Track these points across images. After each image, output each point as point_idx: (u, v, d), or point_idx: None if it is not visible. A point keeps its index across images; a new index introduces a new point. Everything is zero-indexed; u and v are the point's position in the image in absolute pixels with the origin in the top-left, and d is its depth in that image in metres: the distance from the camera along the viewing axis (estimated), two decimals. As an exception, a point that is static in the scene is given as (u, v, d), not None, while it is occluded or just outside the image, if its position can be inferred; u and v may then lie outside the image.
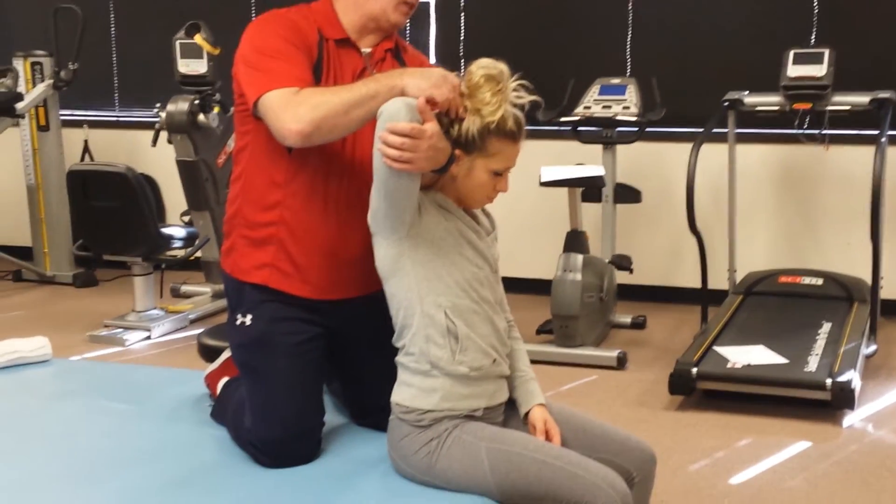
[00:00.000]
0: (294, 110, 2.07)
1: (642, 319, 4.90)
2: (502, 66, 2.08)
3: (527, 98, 2.10)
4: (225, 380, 2.55)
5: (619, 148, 4.92)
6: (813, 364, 3.84)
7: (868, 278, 4.45)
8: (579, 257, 4.46)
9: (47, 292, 5.90)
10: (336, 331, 2.34)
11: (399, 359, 2.13)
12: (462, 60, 5.71)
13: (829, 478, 3.20)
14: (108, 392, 2.76)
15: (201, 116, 5.04)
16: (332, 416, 2.42)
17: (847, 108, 4.53)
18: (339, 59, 2.29)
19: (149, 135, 5.22)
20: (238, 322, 2.33)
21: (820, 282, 4.76)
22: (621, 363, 4.36)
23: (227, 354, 2.58)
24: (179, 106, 5.02)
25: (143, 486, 2.14)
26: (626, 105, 4.74)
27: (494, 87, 2.06)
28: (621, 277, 4.95)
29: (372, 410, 2.34)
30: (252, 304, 2.31)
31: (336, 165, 2.25)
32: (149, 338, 4.88)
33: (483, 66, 2.08)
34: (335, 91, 2.12)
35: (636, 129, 4.78)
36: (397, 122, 1.95)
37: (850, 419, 3.68)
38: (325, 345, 2.34)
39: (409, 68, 2.18)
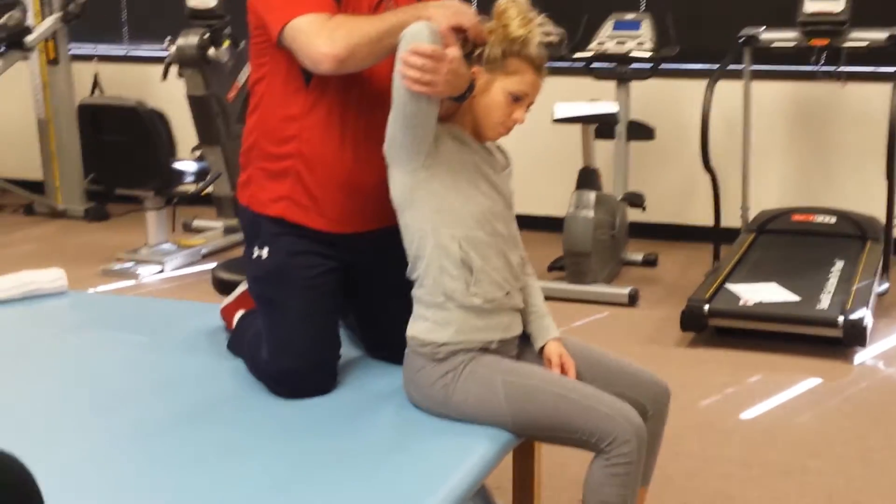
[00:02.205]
0: (329, 34, 2.06)
1: (654, 257, 4.90)
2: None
3: (553, 33, 2.09)
4: (241, 312, 2.56)
5: (633, 84, 4.88)
6: (825, 302, 3.85)
7: (882, 216, 4.43)
8: (592, 194, 4.45)
9: (59, 226, 5.92)
10: (353, 265, 2.34)
11: (414, 292, 2.14)
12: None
13: (839, 414, 3.22)
14: (123, 324, 2.78)
15: (212, 50, 5.00)
16: (348, 350, 2.42)
17: (864, 44, 4.47)
18: None
19: (159, 69, 5.19)
20: (255, 255, 2.32)
21: (833, 220, 4.75)
22: (633, 300, 4.37)
23: (242, 287, 2.59)
24: (190, 40, 4.99)
25: (160, 416, 2.16)
26: (641, 41, 4.69)
27: (522, 12, 2.07)
28: (633, 215, 4.94)
29: (387, 344, 2.35)
30: (268, 237, 2.31)
31: (353, 97, 2.23)
32: (161, 272, 4.90)
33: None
34: (368, 19, 2.10)
35: (650, 65, 4.73)
36: (420, 44, 1.94)
37: (862, 356, 3.70)
38: (342, 278, 2.33)
39: (432, 1, 2.16)
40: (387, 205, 2.14)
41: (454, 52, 1.97)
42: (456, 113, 2.10)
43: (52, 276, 2.93)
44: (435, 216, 2.06)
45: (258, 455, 1.97)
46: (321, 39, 2.06)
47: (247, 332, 2.44)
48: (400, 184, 2.09)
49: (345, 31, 2.07)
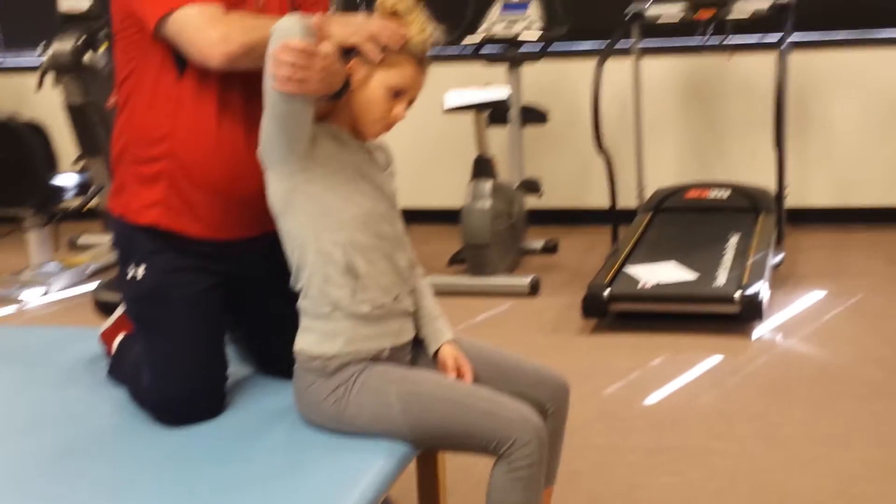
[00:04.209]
0: (224, 29, 1.98)
1: (554, 243, 4.88)
2: None
3: (435, 30, 2.03)
4: (121, 336, 2.44)
5: (524, 68, 4.83)
6: (722, 278, 3.87)
7: (773, 188, 4.48)
8: (488, 184, 4.41)
9: (-65, 250, 5.65)
10: (235, 277, 2.24)
11: (299, 303, 2.05)
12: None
13: (741, 391, 3.24)
14: (-3, 357, 2.63)
15: (88, 55, 4.80)
16: (236, 367, 2.33)
17: (749, 13, 4.50)
18: None
19: (34, 79, 4.96)
20: (130, 275, 2.21)
21: (726, 194, 4.79)
22: (534, 289, 4.34)
23: (121, 310, 2.47)
24: (64, 45, 4.77)
25: (36, 455, 2.03)
26: (529, 22, 4.64)
27: (411, 12, 2.01)
28: (531, 202, 4.91)
29: (277, 358, 2.25)
30: (144, 254, 2.19)
31: (231, 94, 2.12)
32: (47, 293, 4.70)
33: None
34: (264, 20, 2.00)
35: (540, 46, 4.69)
36: (291, 40, 1.84)
37: (760, 330, 3.73)
38: (225, 294, 2.24)
39: (333, 16, 2.06)
40: (268, 210, 2.05)
41: (328, 47, 1.88)
42: (333, 111, 2.02)
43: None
44: (315, 221, 1.98)
45: (142, 490, 1.88)
46: (215, 33, 1.98)
47: (127, 358, 2.33)
48: (277, 188, 2.00)
49: (242, 28, 1.99)
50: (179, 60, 2.09)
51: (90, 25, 4.85)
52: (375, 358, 2.03)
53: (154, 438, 2.09)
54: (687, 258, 4.09)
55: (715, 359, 3.50)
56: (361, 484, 1.85)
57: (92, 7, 4.86)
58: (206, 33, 1.99)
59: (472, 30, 4.71)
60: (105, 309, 2.71)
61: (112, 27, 2.19)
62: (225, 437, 2.07)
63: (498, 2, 4.76)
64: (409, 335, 2.11)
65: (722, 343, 3.64)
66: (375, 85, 2.00)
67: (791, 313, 3.91)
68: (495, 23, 4.69)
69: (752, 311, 3.67)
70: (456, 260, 4.63)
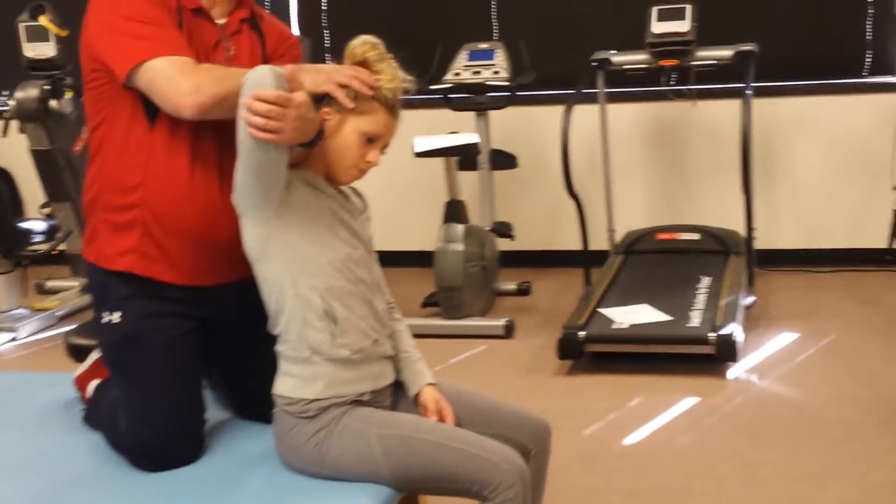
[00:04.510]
0: (195, 80, 1.99)
1: (527, 286, 4.88)
2: (379, 41, 2.04)
3: (408, 80, 2.05)
4: (96, 382, 2.40)
5: (492, 114, 4.87)
6: (696, 319, 3.88)
7: (742, 230, 4.52)
8: (459, 227, 4.41)
9: None
10: (211, 321, 2.22)
11: (278, 347, 2.03)
12: (326, 31, 5.57)
13: (718, 432, 3.24)
14: (-34, 403, 2.57)
15: (53, 102, 4.78)
16: (214, 412, 2.30)
17: (712, 62, 4.57)
18: (195, 29, 2.16)
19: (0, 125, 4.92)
20: (105, 320, 2.18)
21: (697, 236, 4.83)
22: (509, 331, 4.33)
23: (96, 354, 2.43)
24: (29, 92, 4.75)
25: (13, 501, 1.98)
26: (496, 70, 4.69)
27: (388, 66, 2.02)
28: (503, 244, 4.91)
29: (256, 402, 2.22)
30: (119, 300, 2.17)
31: (203, 143, 2.12)
32: (14, 339, 4.62)
33: (364, 42, 2.03)
34: (235, 71, 2.00)
35: (507, 93, 4.73)
36: (263, 89, 1.84)
37: (735, 371, 3.74)
38: (201, 338, 2.21)
39: (304, 65, 2.07)
40: (243, 255, 2.03)
41: (301, 96, 1.88)
42: (307, 158, 2.02)
43: None
44: (292, 267, 1.96)
45: (120, 539, 1.83)
46: (187, 84, 1.99)
47: (103, 403, 2.29)
48: (252, 235, 1.98)
49: (212, 79, 2.00)
50: (150, 109, 2.09)
51: (55, 73, 4.83)
52: (356, 402, 2.01)
53: (132, 484, 2.05)
54: (660, 299, 4.10)
55: (691, 400, 3.50)
56: (344, 528, 1.83)
57: (57, 55, 4.84)
58: (178, 84, 2.00)
59: (440, 77, 4.74)
60: (78, 353, 2.65)
61: (82, 76, 2.18)
62: (204, 482, 2.04)
63: (464, 49, 4.80)
64: (389, 378, 2.09)
65: (698, 384, 3.64)
66: (348, 131, 2.00)
67: (765, 354, 3.93)
68: (462, 69, 4.72)
69: (726, 351, 3.68)
70: (429, 303, 4.62)
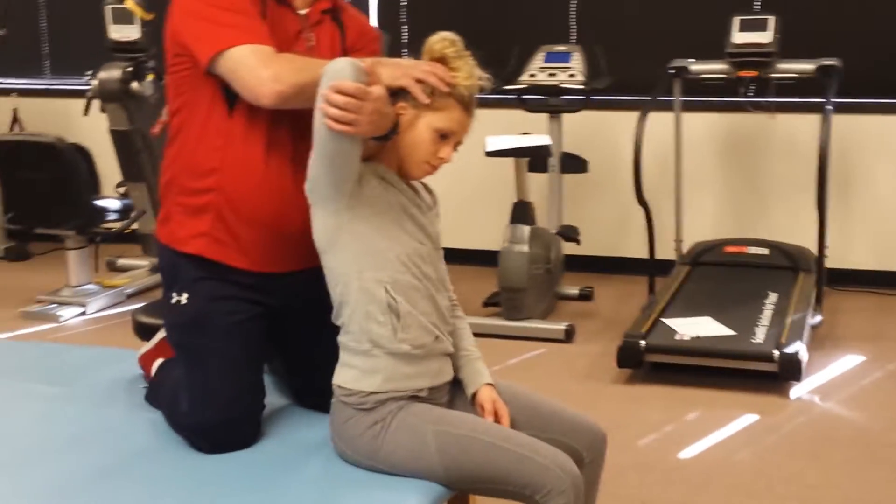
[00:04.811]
0: (276, 69, 2.02)
1: (589, 291, 4.85)
2: (458, 38, 2.05)
3: (484, 78, 2.05)
4: (160, 361, 2.44)
5: (566, 117, 4.85)
6: (760, 335, 3.83)
7: (814, 248, 4.44)
8: (526, 229, 4.40)
9: (-23, 267, 5.71)
10: (277, 309, 2.25)
11: (340, 338, 2.05)
12: (405, 26, 5.59)
13: (777, 451, 3.19)
14: (36, 374, 2.64)
15: (134, 84, 4.86)
16: (273, 398, 2.33)
17: (793, 75, 4.50)
18: (277, 19, 2.19)
19: (82, 103, 5.03)
20: (174, 301, 2.22)
21: (766, 251, 4.75)
22: (569, 336, 4.31)
23: (161, 334, 2.47)
24: (111, 74, 4.84)
25: (73, 474, 2.04)
26: (572, 73, 4.67)
27: (466, 63, 2.03)
28: (568, 248, 4.89)
29: (315, 391, 2.24)
30: (188, 281, 2.21)
31: (280, 131, 2.15)
32: (84, 313, 4.73)
33: (442, 39, 2.04)
34: (315, 62, 2.03)
35: (582, 97, 4.71)
36: (342, 81, 1.86)
37: (798, 391, 3.68)
38: (266, 324, 2.24)
39: (383, 59, 2.09)
40: (312, 245, 2.05)
41: (378, 90, 1.90)
42: (381, 151, 2.03)
43: (-42, 325, 2.78)
44: (360, 259, 1.98)
45: (176, 516, 1.87)
46: (268, 72, 2.02)
47: (165, 382, 2.33)
48: (322, 225, 2.00)
49: (293, 68, 2.03)
50: (230, 96, 2.12)
51: (138, 55, 4.92)
52: (413, 397, 2.02)
53: (189, 464, 2.08)
54: (725, 313, 4.05)
55: (751, 417, 3.45)
56: (394, 522, 1.84)
57: (140, 38, 4.93)
58: (258, 72, 2.02)
59: (515, 77, 4.73)
60: (145, 331, 2.71)
61: (165, 61, 2.22)
62: (260, 466, 2.07)
63: (541, 51, 4.79)
64: (447, 376, 2.10)
65: (758, 401, 3.58)
66: (423, 127, 2.01)
67: (829, 375, 3.86)
68: (538, 71, 4.71)
69: (790, 370, 3.62)
70: (491, 303, 4.62)
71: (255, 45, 2.05)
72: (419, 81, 1.99)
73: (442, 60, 2.03)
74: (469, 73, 2.03)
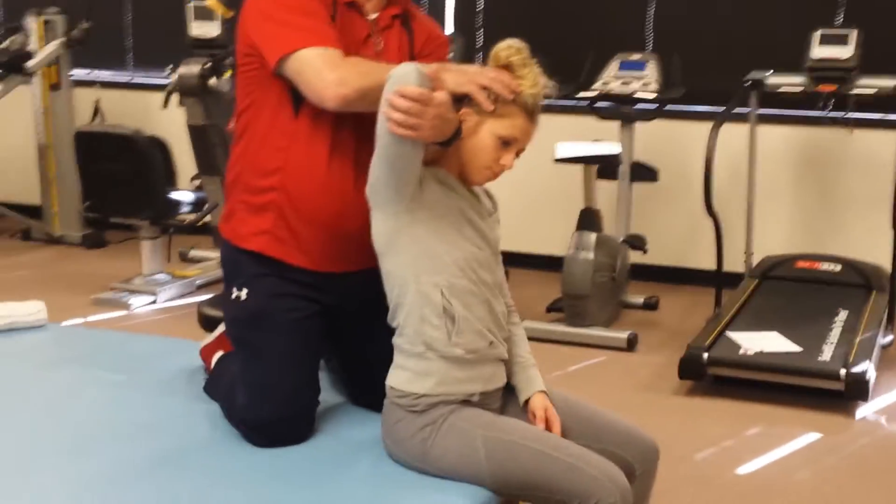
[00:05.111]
0: (341, 73, 2.05)
1: (655, 300, 4.81)
2: (524, 46, 2.05)
3: (548, 86, 2.05)
4: (219, 354, 2.49)
5: (637, 125, 4.81)
6: (827, 353, 3.76)
7: (887, 266, 4.35)
8: (592, 236, 4.38)
9: (55, 252, 5.87)
10: (334, 307, 2.28)
11: (395, 340, 2.07)
12: (480, 30, 5.60)
13: (839, 472, 3.13)
14: (101, 361, 2.71)
15: (213, 80, 4.96)
16: (328, 395, 2.36)
17: (872, 91, 4.41)
18: (347, 23, 2.21)
19: (162, 97, 5.14)
20: (234, 296, 2.26)
21: (838, 268, 4.66)
22: (631, 345, 4.29)
23: (222, 328, 2.52)
24: (191, 69, 4.94)
25: (131, 462, 2.09)
26: (646, 82, 4.63)
27: (532, 71, 2.03)
28: (634, 257, 4.86)
29: (370, 391, 2.26)
30: (248, 277, 2.25)
31: (344, 133, 2.18)
32: (154, 302, 4.83)
33: (508, 46, 2.05)
34: (380, 66, 2.06)
35: (655, 106, 4.67)
36: (406, 86, 1.88)
37: (863, 411, 3.60)
38: (324, 322, 2.27)
39: (448, 65, 2.10)
40: (371, 247, 2.07)
41: (442, 95, 1.91)
42: (442, 156, 2.04)
43: (30, 310, 2.87)
44: (417, 262, 2.00)
45: (228, 505, 1.90)
46: (333, 75, 2.04)
47: (224, 375, 2.37)
48: (382, 227, 2.02)
49: (358, 72, 2.05)
50: (296, 98, 2.15)
51: (217, 52, 5.02)
52: (465, 401, 2.03)
53: (244, 456, 2.12)
54: (792, 329, 3.98)
55: (813, 435, 3.39)
56: (441, 525, 1.85)
57: (220, 35, 5.02)
58: (324, 75, 2.05)
59: (588, 84, 4.71)
60: (209, 323, 2.77)
61: (236, 59, 2.27)
62: (312, 461, 2.10)
63: (616, 59, 4.76)
64: (500, 381, 2.10)
65: (822, 420, 3.52)
66: (485, 133, 2.02)
67: (897, 397, 3.78)
68: (612, 79, 4.68)
69: (857, 390, 3.55)
70: (554, 308, 4.61)
71: (323, 48, 2.08)
72: (484, 88, 2.00)
73: (507, 68, 2.03)
74: (534, 81, 2.03)
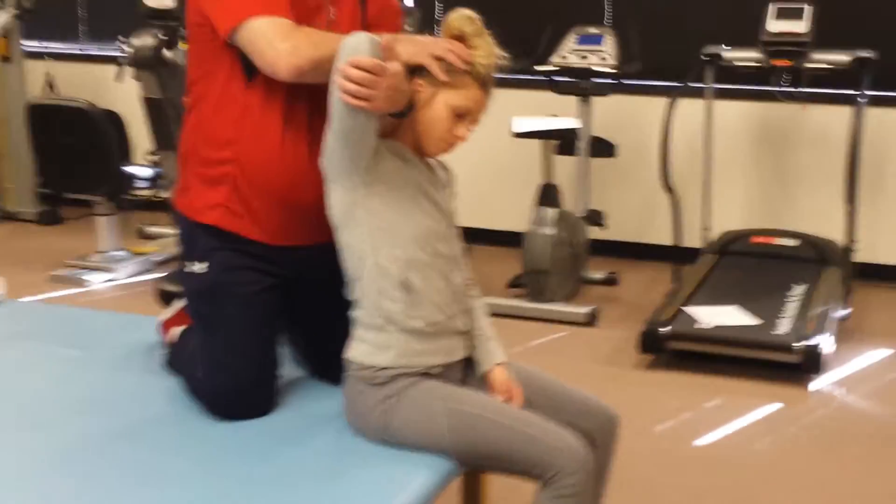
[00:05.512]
0: (294, 43, 2.01)
1: (614, 276, 4.83)
2: (477, 16, 2.03)
3: (501, 55, 2.03)
4: (181, 328, 2.46)
5: (595, 100, 4.81)
6: (784, 326, 3.80)
7: (842, 240, 4.40)
8: (552, 211, 4.39)
9: (9, 229, 5.78)
10: (293, 281, 2.26)
11: (353, 313, 2.05)
12: (438, 2, 5.57)
13: (796, 442, 3.17)
14: (58, 337, 2.67)
15: (167, 52, 4.88)
16: (290, 370, 2.34)
17: (827, 66, 4.44)
18: None
19: (114, 69, 5.06)
20: (190, 270, 2.24)
21: (794, 243, 4.71)
22: (592, 320, 4.31)
23: (181, 302, 2.49)
24: (145, 41, 4.85)
25: (86, 435, 2.07)
26: (604, 56, 4.62)
27: (485, 41, 2.01)
28: (594, 233, 4.87)
29: (330, 364, 2.25)
30: (205, 251, 2.22)
31: (296, 105, 2.14)
32: (113, 280, 4.77)
33: (461, 16, 2.03)
34: (333, 37, 2.02)
35: (613, 80, 4.67)
36: (359, 56, 1.85)
37: (820, 383, 3.65)
38: (282, 295, 2.25)
39: (401, 36, 2.08)
40: (326, 220, 2.05)
41: (395, 66, 1.89)
42: (397, 128, 2.03)
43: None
44: (374, 235, 1.98)
45: (185, 478, 1.90)
46: (285, 45, 2.01)
47: (184, 349, 2.35)
48: (338, 200, 2.00)
49: (311, 43, 2.02)
50: (248, 68, 2.12)
51: (172, 23, 4.94)
52: (426, 374, 2.02)
53: (199, 430, 2.11)
54: (749, 303, 4.02)
55: (771, 407, 3.43)
56: (402, 496, 1.85)
57: (175, 6, 4.94)
58: (276, 45, 2.02)
59: (546, 58, 4.70)
60: (167, 299, 2.74)
61: (186, 30, 2.23)
62: (272, 435, 2.08)
63: (573, 32, 4.74)
64: (460, 354, 2.10)
65: (778, 392, 3.56)
66: (439, 105, 2.00)
67: (853, 369, 3.82)
68: (569, 53, 4.67)
69: (811, 362, 3.60)
70: (515, 284, 4.61)
71: (275, 18, 2.04)
72: (437, 59, 1.98)
73: (461, 38, 2.02)
74: (488, 52, 2.01)
